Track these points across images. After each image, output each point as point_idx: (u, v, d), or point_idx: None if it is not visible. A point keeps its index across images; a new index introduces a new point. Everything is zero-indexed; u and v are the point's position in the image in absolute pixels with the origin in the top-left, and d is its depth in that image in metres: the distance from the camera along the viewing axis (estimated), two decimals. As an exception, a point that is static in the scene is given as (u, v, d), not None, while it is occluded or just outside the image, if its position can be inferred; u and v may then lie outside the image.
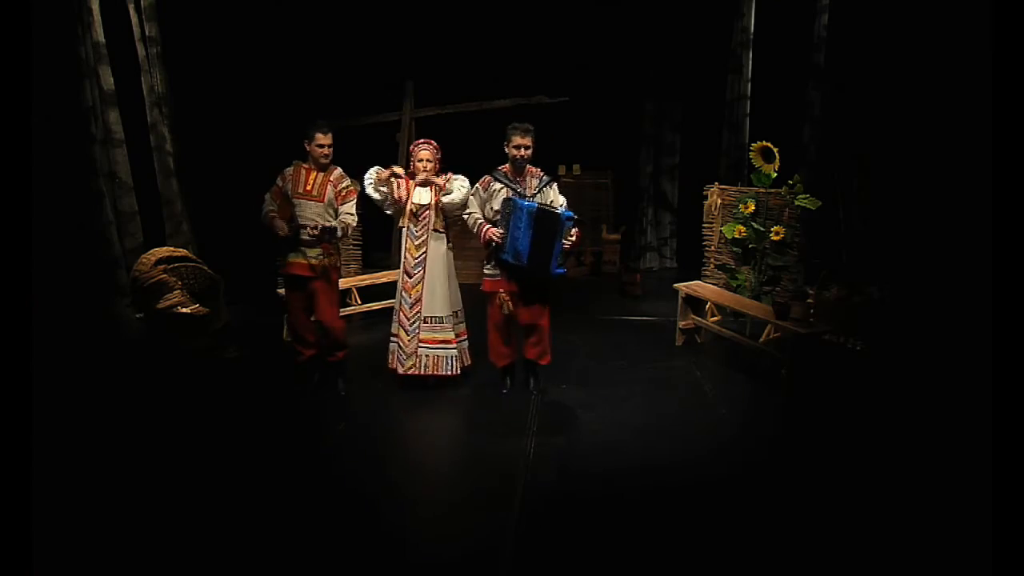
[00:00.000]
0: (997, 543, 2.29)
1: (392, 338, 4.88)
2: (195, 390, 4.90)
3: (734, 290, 5.69)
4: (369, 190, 4.73)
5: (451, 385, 4.91)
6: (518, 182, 4.45)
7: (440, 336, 4.76)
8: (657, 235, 8.87)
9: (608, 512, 3.41)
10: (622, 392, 4.87)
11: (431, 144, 4.78)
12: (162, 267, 5.51)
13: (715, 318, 5.69)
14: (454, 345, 4.81)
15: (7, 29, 2.50)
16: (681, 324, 5.85)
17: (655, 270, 8.70)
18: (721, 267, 5.86)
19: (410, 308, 4.75)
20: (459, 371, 4.85)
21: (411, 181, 4.76)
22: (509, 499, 3.50)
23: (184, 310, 5.40)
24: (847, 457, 3.95)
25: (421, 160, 4.71)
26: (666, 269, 8.72)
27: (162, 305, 5.38)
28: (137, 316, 6.18)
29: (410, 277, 4.74)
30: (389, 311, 6.55)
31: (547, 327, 4.62)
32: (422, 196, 4.74)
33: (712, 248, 5.96)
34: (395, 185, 4.70)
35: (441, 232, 4.76)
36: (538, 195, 4.42)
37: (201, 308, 5.49)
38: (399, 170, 4.74)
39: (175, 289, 5.45)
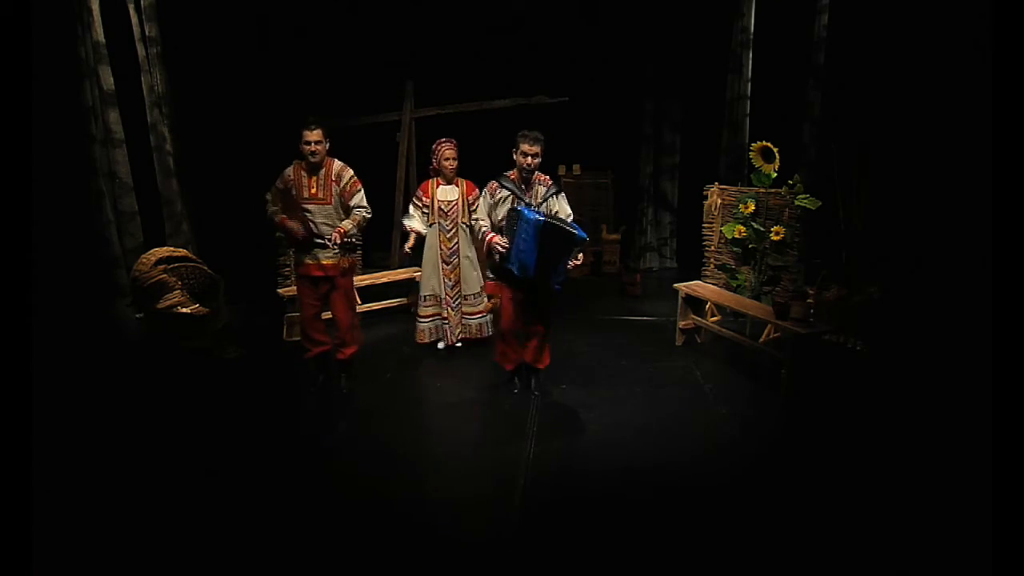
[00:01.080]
0: (997, 543, 2.29)
1: (427, 320, 5.63)
2: (195, 390, 4.90)
3: (734, 290, 5.69)
4: (413, 223, 5.56)
5: (453, 384, 4.92)
6: (524, 190, 4.42)
7: (477, 308, 5.67)
8: (657, 235, 8.87)
9: (608, 512, 3.41)
10: (622, 392, 4.87)
11: (452, 142, 5.41)
12: (162, 267, 5.51)
13: (715, 318, 5.69)
14: (487, 313, 5.71)
15: (7, 29, 2.50)
16: (681, 324, 5.85)
17: (655, 270, 8.70)
18: (721, 267, 5.86)
19: (452, 289, 5.57)
20: (491, 332, 5.66)
21: (436, 180, 5.49)
22: (509, 499, 3.50)
23: (184, 310, 5.40)
24: (847, 457, 3.95)
25: (448, 159, 5.38)
26: (666, 269, 8.72)
27: (162, 305, 5.38)
28: (137, 316, 6.19)
29: (447, 264, 5.54)
30: (389, 311, 6.61)
31: (545, 332, 4.62)
32: (448, 194, 5.48)
33: (712, 248, 5.96)
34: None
35: (467, 224, 5.48)
36: (543, 205, 4.38)
37: (201, 308, 5.50)
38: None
39: (175, 289, 5.45)
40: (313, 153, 4.39)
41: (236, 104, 7.59)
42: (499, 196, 4.43)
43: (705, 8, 8.04)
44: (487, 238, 4.39)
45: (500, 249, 4.28)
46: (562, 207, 4.46)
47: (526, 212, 4.18)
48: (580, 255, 4.32)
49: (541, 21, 8.23)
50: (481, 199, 4.54)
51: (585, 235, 4.28)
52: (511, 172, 4.46)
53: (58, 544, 3.05)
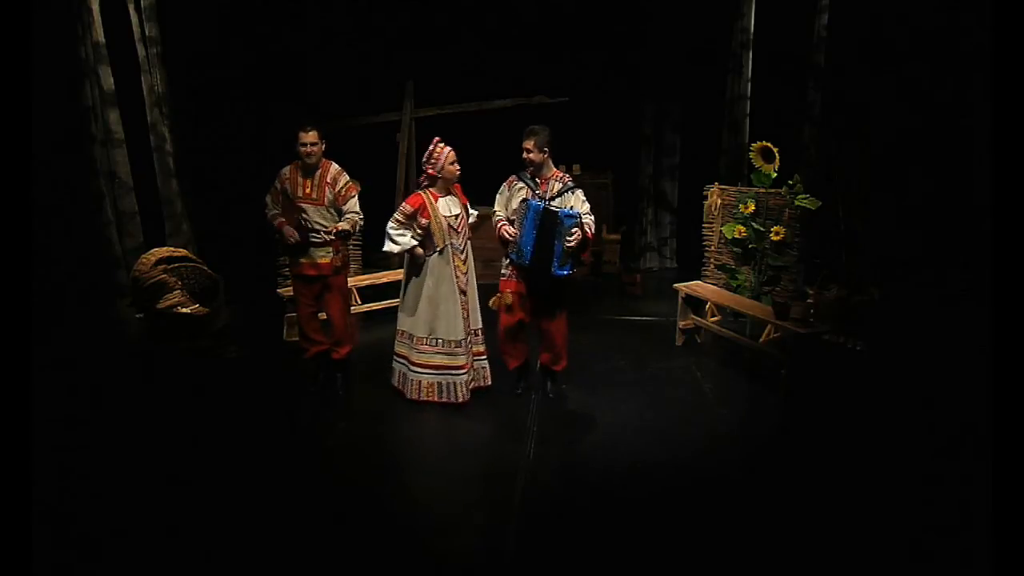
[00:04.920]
0: (997, 543, 2.28)
1: (430, 371, 4.54)
2: (195, 390, 4.90)
3: (734, 290, 5.69)
4: (396, 246, 4.41)
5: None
6: (537, 184, 4.42)
7: (483, 347, 4.73)
8: (657, 235, 8.87)
9: (608, 512, 3.41)
10: (622, 392, 4.87)
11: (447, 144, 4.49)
12: (162, 267, 5.51)
13: (715, 318, 5.69)
14: (486, 356, 4.78)
15: (7, 29, 2.50)
16: (681, 324, 5.85)
17: (655, 270, 8.70)
18: (721, 267, 5.86)
19: (466, 328, 4.57)
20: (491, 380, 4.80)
21: (430, 193, 4.45)
22: (509, 499, 3.50)
23: (184, 310, 5.40)
24: (846, 457, 3.95)
25: (453, 163, 4.42)
26: (666, 269, 8.71)
27: (162, 305, 5.38)
28: (137, 316, 6.18)
29: (464, 295, 4.51)
30: (389, 311, 6.58)
31: (562, 333, 4.57)
32: (451, 206, 4.49)
33: (712, 248, 5.95)
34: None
35: (469, 239, 4.63)
36: (558, 199, 4.36)
37: (201, 308, 5.49)
38: None
39: (175, 289, 5.45)
40: (309, 154, 4.46)
41: (236, 104, 7.59)
42: (515, 188, 4.45)
43: (705, 8, 8.04)
44: (499, 227, 4.39)
45: (507, 236, 4.32)
46: (580, 204, 4.37)
47: (531, 201, 4.26)
48: (575, 233, 4.20)
49: (541, 21, 8.23)
50: (499, 193, 4.53)
51: (573, 213, 4.22)
52: (530, 169, 4.46)
53: (58, 544, 3.05)
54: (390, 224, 4.42)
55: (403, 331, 4.64)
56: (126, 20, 6.75)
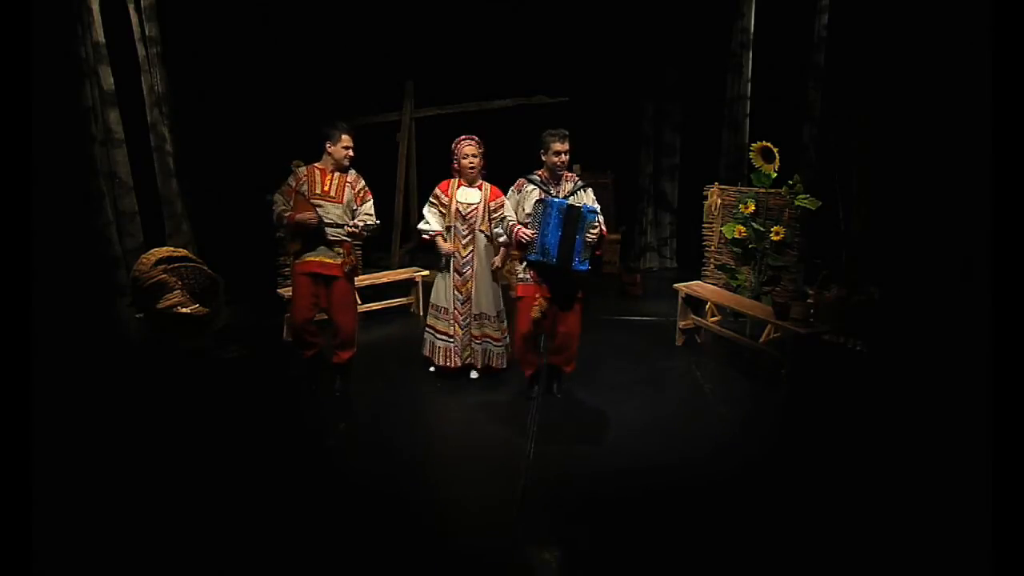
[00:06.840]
0: (997, 543, 2.28)
1: (436, 335, 5.02)
2: (195, 390, 4.90)
3: (734, 290, 5.69)
4: (431, 225, 4.88)
5: (453, 385, 4.92)
6: (552, 185, 4.43)
7: (491, 332, 5.01)
8: (657, 235, 8.87)
9: (608, 512, 3.41)
10: (622, 392, 4.87)
11: (474, 140, 4.86)
12: (162, 267, 5.52)
13: (715, 318, 5.69)
14: (502, 341, 5.05)
15: (7, 29, 2.50)
16: (681, 324, 5.85)
17: (655, 270, 8.70)
18: (721, 267, 5.86)
19: (463, 304, 4.96)
20: (507, 364, 5.06)
21: (457, 181, 4.90)
22: (509, 499, 3.50)
23: (184, 310, 5.41)
24: (846, 457, 3.95)
25: (467, 156, 4.81)
26: (666, 269, 8.72)
27: (162, 305, 5.39)
28: (137, 316, 6.19)
29: (460, 275, 4.93)
30: (390, 311, 6.61)
31: (576, 335, 4.57)
32: (469, 196, 4.87)
33: (712, 248, 5.96)
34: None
35: (485, 232, 4.91)
36: (571, 198, 4.36)
37: (201, 308, 5.50)
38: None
39: (175, 289, 5.45)
40: (350, 158, 4.54)
41: (236, 104, 7.59)
42: (526, 191, 4.44)
43: (705, 8, 8.04)
44: (514, 230, 4.39)
45: (524, 238, 4.31)
46: (588, 200, 4.45)
47: (551, 199, 4.25)
48: (596, 229, 4.26)
49: (541, 21, 8.23)
50: (507, 197, 4.54)
51: (595, 208, 4.31)
52: (540, 171, 4.47)
53: (58, 544, 3.05)
54: (425, 205, 4.95)
55: (431, 303, 5.09)
56: (126, 20, 6.76)
